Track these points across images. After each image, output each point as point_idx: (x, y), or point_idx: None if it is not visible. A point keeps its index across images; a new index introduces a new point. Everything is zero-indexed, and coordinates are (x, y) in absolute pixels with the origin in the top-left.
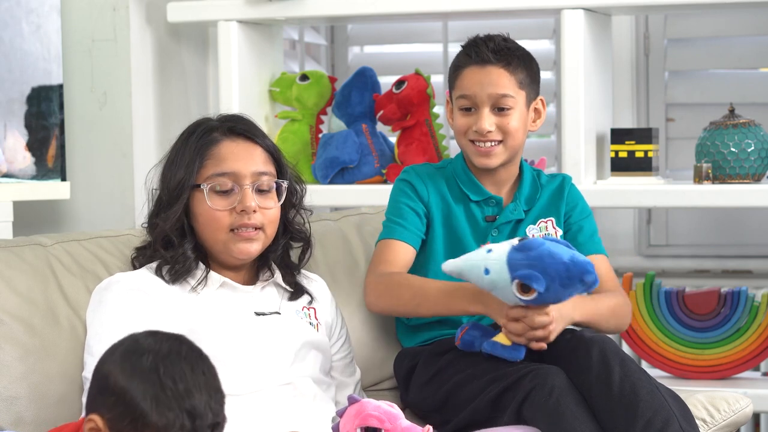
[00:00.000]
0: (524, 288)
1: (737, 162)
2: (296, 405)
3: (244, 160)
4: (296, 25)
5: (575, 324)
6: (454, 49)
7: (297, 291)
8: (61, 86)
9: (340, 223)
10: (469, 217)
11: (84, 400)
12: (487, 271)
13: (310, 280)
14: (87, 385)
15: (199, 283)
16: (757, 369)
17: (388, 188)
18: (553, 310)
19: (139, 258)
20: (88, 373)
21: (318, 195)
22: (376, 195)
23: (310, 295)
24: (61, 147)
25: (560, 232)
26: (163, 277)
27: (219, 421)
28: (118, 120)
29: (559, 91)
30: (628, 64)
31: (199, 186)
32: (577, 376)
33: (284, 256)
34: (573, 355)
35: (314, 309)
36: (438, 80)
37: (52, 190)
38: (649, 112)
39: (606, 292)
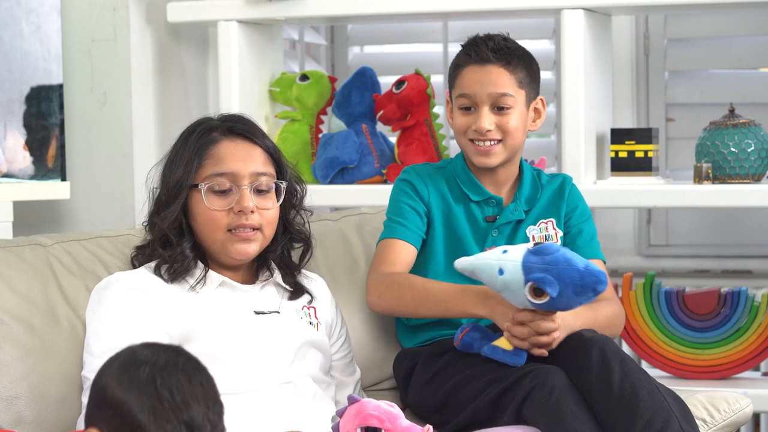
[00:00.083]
0: (537, 292)
1: (737, 162)
2: (296, 404)
3: (243, 160)
4: (296, 25)
5: None
6: (454, 49)
7: (297, 290)
8: (61, 86)
9: (340, 223)
10: (469, 217)
11: (84, 399)
12: (501, 272)
13: (310, 279)
14: (87, 384)
15: (198, 282)
16: (757, 369)
17: (388, 188)
18: (559, 317)
19: (139, 257)
20: (87, 372)
21: (318, 195)
22: (376, 195)
23: (310, 295)
24: (61, 147)
25: (560, 233)
26: (162, 276)
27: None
28: (118, 120)
29: (559, 91)
30: (628, 64)
31: (197, 186)
32: (577, 376)
33: (284, 257)
34: (573, 355)
35: (314, 308)
36: (438, 80)
37: (52, 190)
38: (649, 112)
39: (603, 300)
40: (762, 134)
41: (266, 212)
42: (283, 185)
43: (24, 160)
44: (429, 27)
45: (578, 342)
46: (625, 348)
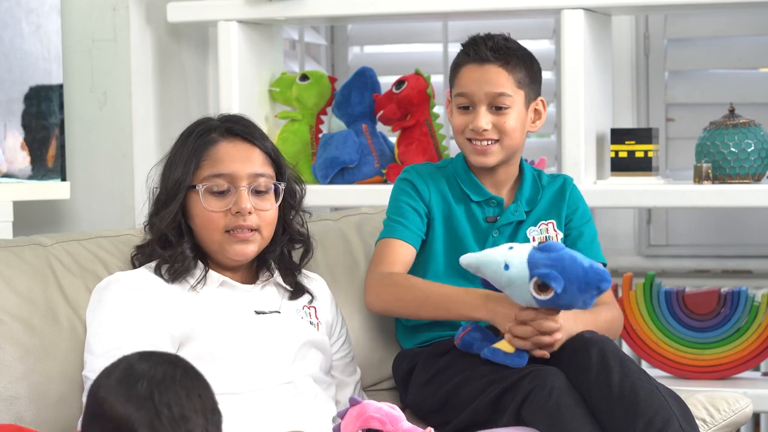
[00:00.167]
0: (542, 287)
1: (737, 162)
2: (297, 404)
3: (241, 161)
4: (296, 25)
5: None
6: (454, 49)
7: (297, 290)
8: (61, 86)
9: (340, 223)
10: (469, 217)
11: (84, 399)
12: (507, 267)
13: (311, 279)
14: (87, 384)
15: (198, 282)
16: (757, 369)
17: (388, 188)
18: (560, 316)
19: (139, 257)
20: (88, 372)
21: (318, 195)
22: (376, 195)
23: (311, 295)
24: (61, 147)
25: (561, 235)
26: (162, 276)
27: None
28: (118, 120)
29: (559, 91)
30: (628, 64)
31: (195, 187)
32: (576, 376)
33: (284, 257)
34: (572, 355)
35: (314, 308)
36: (438, 80)
37: (52, 190)
38: (649, 112)
39: (603, 304)
40: (762, 134)
41: (264, 213)
42: (282, 186)
43: (24, 160)
44: (429, 27)
45: (578, 343)
46: (625, 348)
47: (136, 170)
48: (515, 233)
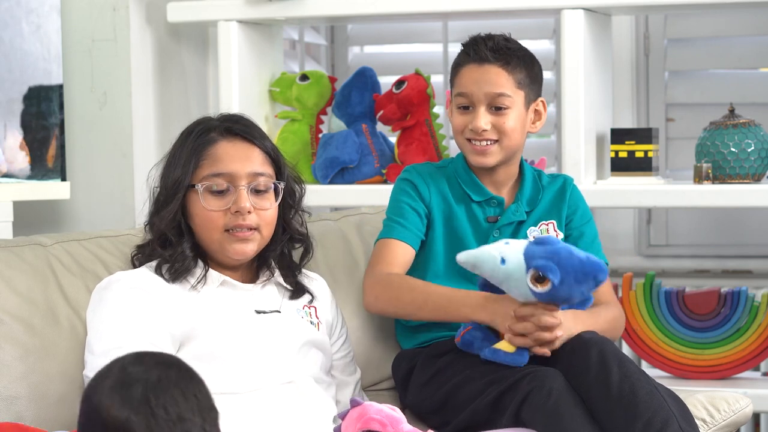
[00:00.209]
0: (539, 279)
1: (737, 162)
2: (297, 404)
3: (241, 160)
4: (296, 25)
5: None
6: (454, 49)
7: (297, 290)
8: (61, 86)
9: (340, 223)
10: (470, 217)
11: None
12: (503, 261)
13: (311, 279)
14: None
15: (198, 282)
16: (757, 369)
17: (388, 188)
18: (560, 315)
19: (139, 256)
20: (89, 371)
21: (318, 195)
22: (376, 195)
23: (311, 294)
24: (61, 147)
25: (561, 236)
26: (162, 276)
27: None
28: (118, 120)
29: (559, 91)
30: (628, 64)
31: (194, 186)
32: (575, 377)
33: (284, 256)
34: (571, 356)
35: (315, 308)
36: (438, 80)
37: (52, 190)
38: (649, 112)
39: (604, 304)
40: (762, 134)
41: (264, 212)
42: (281, 185)
43: (24, 160)
44: (429, 27)
45: (577, 343)
46: (625, 348)
47: (136, 170)
48: (516, 233)
